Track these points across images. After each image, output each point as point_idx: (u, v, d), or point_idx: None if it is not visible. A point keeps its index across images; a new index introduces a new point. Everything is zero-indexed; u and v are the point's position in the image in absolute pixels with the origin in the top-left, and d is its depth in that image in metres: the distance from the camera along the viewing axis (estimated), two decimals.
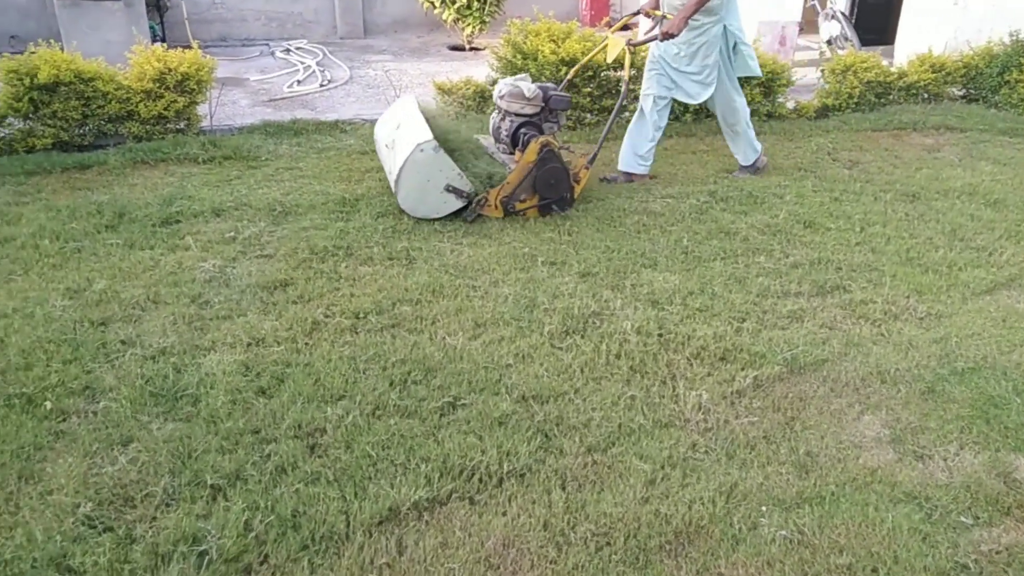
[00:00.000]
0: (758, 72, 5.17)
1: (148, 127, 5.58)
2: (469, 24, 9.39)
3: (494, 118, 4.98)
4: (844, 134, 6.38)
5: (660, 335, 3.26)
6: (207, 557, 2.09)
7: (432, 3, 9.46)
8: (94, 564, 2.04)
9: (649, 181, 5.21)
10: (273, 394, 2.80)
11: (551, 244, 4.15)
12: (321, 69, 8.30)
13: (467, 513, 2.31)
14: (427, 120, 4.61)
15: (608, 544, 2.22)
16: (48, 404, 2.68)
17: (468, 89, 6.46)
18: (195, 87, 5.64)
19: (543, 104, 4.80)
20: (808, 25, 9.46)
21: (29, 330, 3.13)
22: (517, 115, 4.79)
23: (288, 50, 9.26)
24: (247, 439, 2.54)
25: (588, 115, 6.36)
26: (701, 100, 5.07)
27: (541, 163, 4.39)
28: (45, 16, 8.73)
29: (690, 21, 4.75)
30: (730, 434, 2.70)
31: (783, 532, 2.28)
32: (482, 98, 6.48)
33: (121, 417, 2.64)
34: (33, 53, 5.31)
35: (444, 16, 9.43)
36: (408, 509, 2.29)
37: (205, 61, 5.71)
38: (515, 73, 6.30)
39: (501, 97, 4.81)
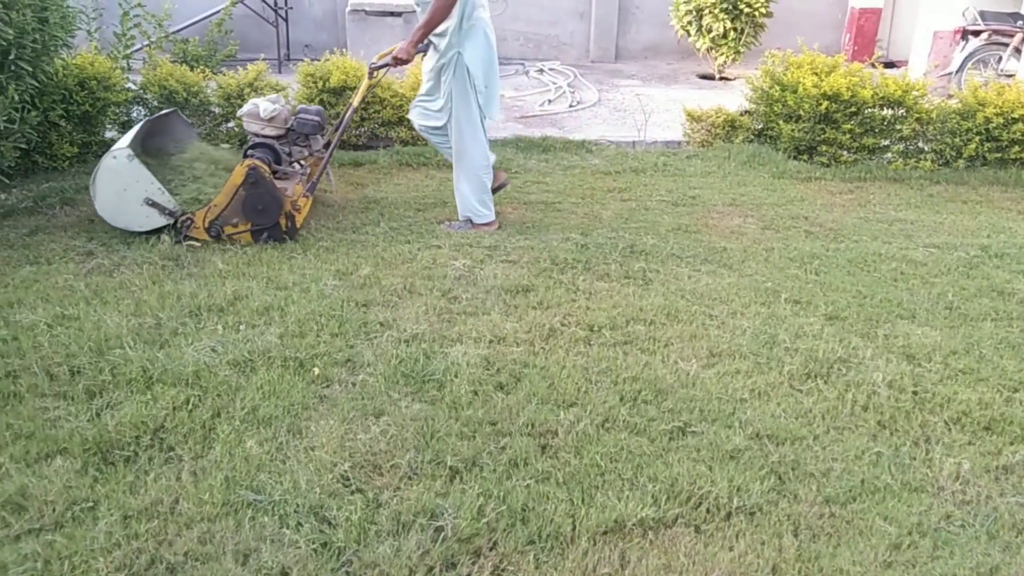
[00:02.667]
0: (491, 117, 4.48)
1: (414, 133, 6.04)
2: (723, 53, 9.25)
3: None
4: None
5: (915, 392, 3.01)
6: (443, 533, 2.22)
7: (687, 31, 9.44)
8: (346, 520, 2.24)
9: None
10: (510, 391, 2.92)
11: (796, 281, 3.97)
12: (571, 90, 8.56)
13: (692, 540, 2.26)
14: (155, 130, 4.47)
15: None
16: (316, 370, 2.99)
17: (718, 117, 6.37)
18: None
19: (287, 127, 4.54)
20: None
21: (305, 303, 3.50)
22: (256, 135, 4.52)
23: (541, 70, 9.64)
24: (485, 429, 2.67)
25: (845, 152, 6.03)
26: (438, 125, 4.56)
27: (250, 187, 4.08)
28: (335, 28, 9.78)
29: (433, 45, 4.35)
30: (992, 511, 2.43)
31: None
32: (731, 127, 6.37)
33: (375, 391, 2.88)
34: (327, 60, 5.96)
35: (698, 44, 9.37)
36: (633, 525, 2.29)
37: None
38: (771, 104, 6.14)
39: (240, 116, 4.57)
